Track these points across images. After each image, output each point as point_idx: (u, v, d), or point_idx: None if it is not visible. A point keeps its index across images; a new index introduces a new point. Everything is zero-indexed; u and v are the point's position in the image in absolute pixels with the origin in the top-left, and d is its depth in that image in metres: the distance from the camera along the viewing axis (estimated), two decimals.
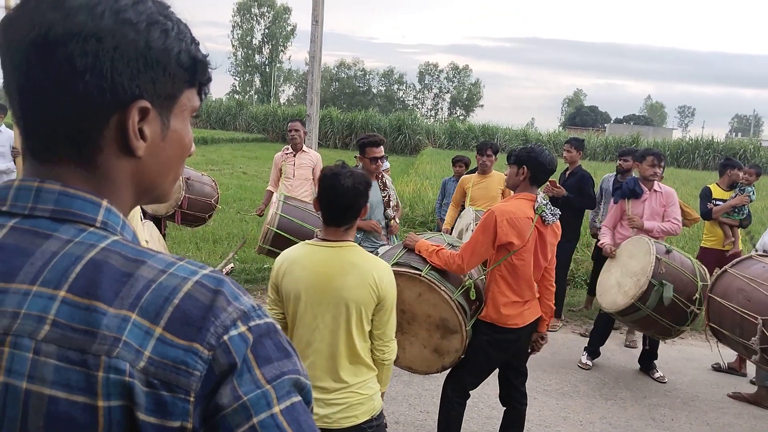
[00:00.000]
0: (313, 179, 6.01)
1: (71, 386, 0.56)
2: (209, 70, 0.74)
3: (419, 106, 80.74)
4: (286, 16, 68.46)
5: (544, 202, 3.14)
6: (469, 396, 3.32)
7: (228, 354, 0.60)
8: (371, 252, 2.67)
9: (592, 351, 5.18)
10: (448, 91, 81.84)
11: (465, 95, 79.75)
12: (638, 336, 5.58)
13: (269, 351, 0.63)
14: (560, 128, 51.19)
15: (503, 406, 3.43)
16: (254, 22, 67.63)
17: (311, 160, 6.00)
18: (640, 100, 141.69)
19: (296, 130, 5.91)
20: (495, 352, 3.19)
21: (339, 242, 2.22)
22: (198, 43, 0.72)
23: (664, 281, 4.26)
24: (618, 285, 4.58)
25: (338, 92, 74.50)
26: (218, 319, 0.61)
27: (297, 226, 4.98)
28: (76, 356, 0.56)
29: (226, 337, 0.60)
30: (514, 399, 3.35)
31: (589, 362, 5.13)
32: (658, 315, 4.34)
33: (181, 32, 0.69)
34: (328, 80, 71.57)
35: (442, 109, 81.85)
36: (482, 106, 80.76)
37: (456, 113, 77.70)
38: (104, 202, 0.66)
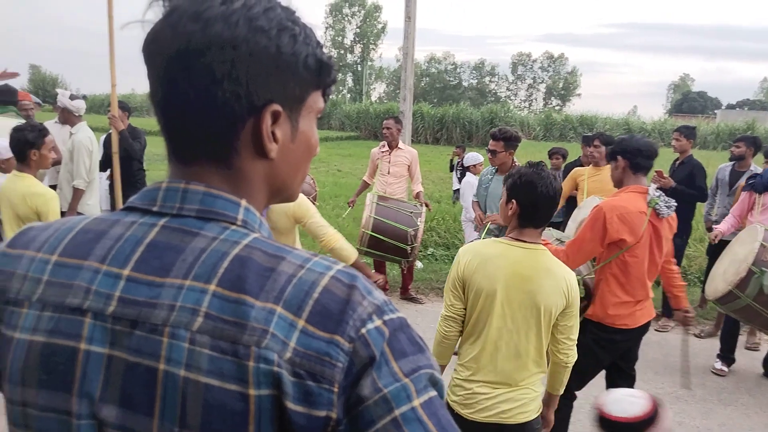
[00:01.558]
0: (410, 176, 5.99)
1: (224, 375, 0.59)
2: (333, 72, 0.76)
3: (512, 97, 78.94)
4: (377, 14, 69.26)
5: (657, 193, 2.95)
6: (575, 397, 3.20)
7: (367, 347, 0.61)
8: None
9: (725, 356, 4.80)
10: (542, 81, 79.35)
11: (561, 84, 76.95)
12: (761, 337, 5.14)
13: (404, 345, 0.64)
14: (666, 116, 48.03)
15: None
16: (345, 22, 69.00)
17: (407, 157, 5.97)
18: (754, 84, 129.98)
19: (388, 128, 5.91)
20: (602, 353, 3.06)
21: (534, 244, 2.23)
22: (323, 46, 0.74)
23: (764, 269, 3.88)
24: (723, 272, 4.25)
25: (429, 87, 74.31)
26: (355, 313, 0.62)
27: (391, 227, 5.04)
28: (228, 346, 0.60)
29: (364, 330, 0.62)
30: None
31: (725, 368, 4.75)
32: (760, 305, 3.96)
33: (307, 36, 0.71)
34: (418, 76, 71.65)
35: (536, 99, 79.55)
36: (579, 95, 77.64)
37: (551, 103, 75.16)
38: (243, 202, 0.70)
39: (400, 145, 6.04)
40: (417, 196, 5.93)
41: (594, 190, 5.35)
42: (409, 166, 5.95)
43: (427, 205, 5.79)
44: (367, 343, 0.62)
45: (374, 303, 0.64)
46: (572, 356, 2.31)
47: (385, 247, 5.09)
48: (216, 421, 0.59)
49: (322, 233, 3.19)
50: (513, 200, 2.22)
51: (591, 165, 5.61)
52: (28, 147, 3.26)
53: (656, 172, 5.20)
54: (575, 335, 2.30)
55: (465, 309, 2.27)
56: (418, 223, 5.11)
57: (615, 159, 3.04)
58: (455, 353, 2.40)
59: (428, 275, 6.87)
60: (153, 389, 0.61)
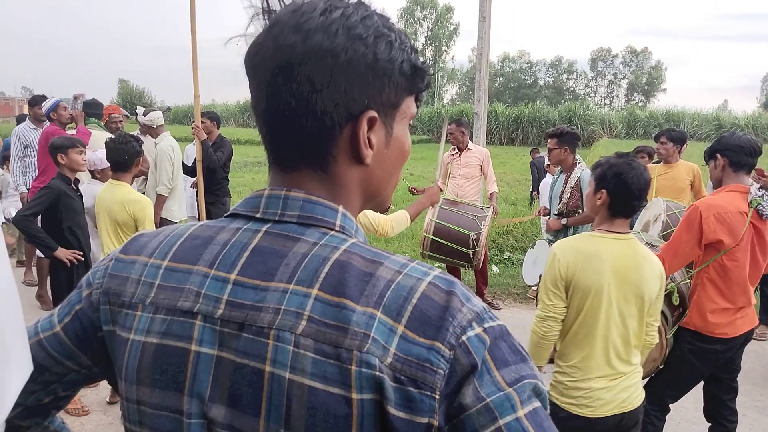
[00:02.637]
0: (483, 175, 5.92)
1: (327, 378, 0.60)
2: (427, 77, 0.75)
3: (591, 94, 76.19)
4: (449, 15, 68.95)
5: (759, 193, 2.75)
6: (669, 410, 3.03)
7: (468, 354, 0.61)
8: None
9: None
10: (624, 77, 76.14)
11: (644, 80, 73.55)
12: None
13: (505, 353, 0.63)
14: (760, 110, 44.76)
15: (708, 422, 3.07)
16: (417, 26, 69.13)
17: (477, 157, 5.89)
18: None
19: (451, 133, 5.82)
20: (699, 364, 2.87)
21: (626, 234, 2.25)
22: (417, 52, 0.74)
23: None
24: None
25: (503, 87, 73.14)
26: (455, 320, 0.62)
27: (453, 230, 4.99)
28: (331, 350, 0.60)
29: (464, 338, 0.61)
30: (722, 416, 2.99)
31: None
32: None
33: (402, 42, 0.71)
34: (492, 76, 70.58)
35: (617, 96, 76.44)
36: (665, 90, 74.00)
37: (634, 100, 71.97)
38: (340, 208, 0.71)
39: (470, 146, 5.97)
40: (490, 197, 5.84)
41: (664, 188, 5.14)
42: (480, 166, 5.87)
43: (493, 207, 5.68)
44: (468, 351, 0.61)
45: (474, 310, 0.64)
46: (656, 337, 2.38)
47: (447, 250, 5.05)
48: (320, 423, 0.60)
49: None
50: (603, 190, 2.21)
51: (662, 162, 5.42)
52: (133, 156, 3.48)
53: (756, 170, 4.85)
54: (659, 316, 2.36)
55: (566, 308, 2.24)
56: (482, 227, 5.02)
57: (714, 157, 2.88)
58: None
59: (505, 280, 6.74)
60: (259, 390, 0.62)
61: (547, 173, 6.81)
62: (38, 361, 0.76)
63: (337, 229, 0.69)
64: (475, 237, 5.00)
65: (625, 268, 2.17)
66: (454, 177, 5.95)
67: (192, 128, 5.15)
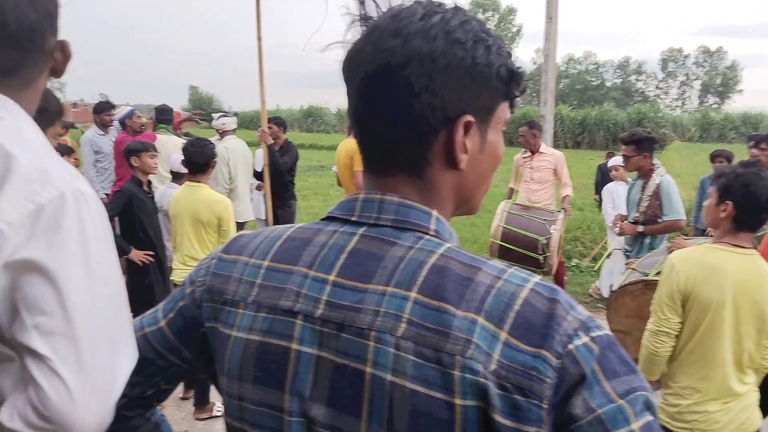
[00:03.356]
0: (558, 179, 5.65)
1: (429, 382, 0.60)
2: (523, 82, 0.75)
3: (662, 96, 73.10)
4: (512, 17, 68.00)
5: None
6: None
7: (576, 364, 0.59)
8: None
9: None
10: (697, 78, 72.69)
11: (718, 81, 69.91)
12: None
13: (614, 364, 0.61)
14: None
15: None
16: None
17: (550, 161, 5.62)
18: None
19: (522, 135, 5.63)
20: None
21: (750, 249, 2.14)
22: (512, 56, 0.74)
23: None
24: None
25: (568, 89, 71.26)
26: (561, 328, 0.60)
27: (522, 235, 4.88)
28: (431, 354, 0.60)
29: (571, 347, 0.60)
30: None
31: None
32: None
33: (500, 47, 0.71)
34: (557, 77, 68.98)
35: (690, 98, 73.03)
36: (741, 91, 69.90)
37: (708, 101, 68.57)
38: (434, 212, 0.71)
39: (542, 148, 5.71)
40: (563, 200, 5.61)
41: None
42: (554, 170, 5.60)
43: (564, 210, 5.48)
44: (576, 360, 0.59)
45: (579, 318, 0.62)
46: None
47: (517, 256, 4.93)
48: (422, 427, 0.60)
49: None
50: (728, 201, 2.08)
51: None
52: (209, 159, 3.64)
53: None
54: None
55: (681, 324, 2.13)
56: (551, 231, 4.87)
57: None
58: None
59: (573, 288, 6.53)
60: (360, 391, 0.63)
61: (613, 178, 6.53)
62: (143, 354, 0.80)
63: (432, 233, 0.69)
64: (545, 242, 4.88)
65: (748, 285, 2.05)
66: (526, 181, 5.69)
67: (258, 133, 5.29)
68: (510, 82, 0.72)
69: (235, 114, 6.28)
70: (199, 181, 3.65)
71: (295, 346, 0.67)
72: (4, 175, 0.74)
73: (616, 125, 28.39)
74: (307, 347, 0.67)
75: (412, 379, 0.60)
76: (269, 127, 5.56)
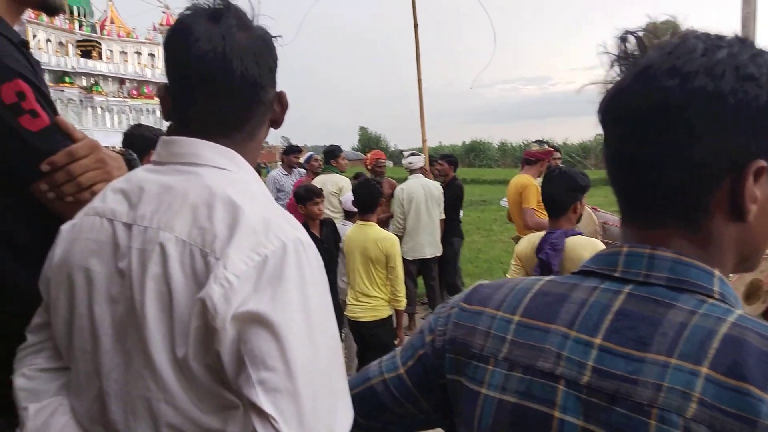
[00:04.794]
0: None
1: None
2: None
3: None
4: None
5: None
6: None
7: None
8: None
9: None
10: None
11: None
12: None
13: None
14: None
15: None
16: None
17: None
18: None
19: None
20: None
21: None
22: None
23: None
24: None
25: None
26: None
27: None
28: None
29: None
30: None
31: None
32: None
33: None
34: None
35: None
36: None
37: None
38: (716, 272, 0.63)
39: None
40: None
41: None
42: None
43: None
44: None
45: None
46: None
47: None
48: None
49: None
50: None
51: None
52: (376, 198, 3.82)
53: None
54: None
55: None
56: None
57: None
58: None
59: None
60: None
61: None
62: (381, 400, 0.81)
63: (716, 296, 0.61)
64: None
65: None
66: None
67: (422, 171, 5.64)
68: None
69: (401, 152, 6.60)
70: (368, 220, 3.80)
71: (558, 414, 0.62)
72: (233, 226, 0.77)
73: None
74: (572, 417, 0.61)
75: None
76: (440, 164, 5.92)
